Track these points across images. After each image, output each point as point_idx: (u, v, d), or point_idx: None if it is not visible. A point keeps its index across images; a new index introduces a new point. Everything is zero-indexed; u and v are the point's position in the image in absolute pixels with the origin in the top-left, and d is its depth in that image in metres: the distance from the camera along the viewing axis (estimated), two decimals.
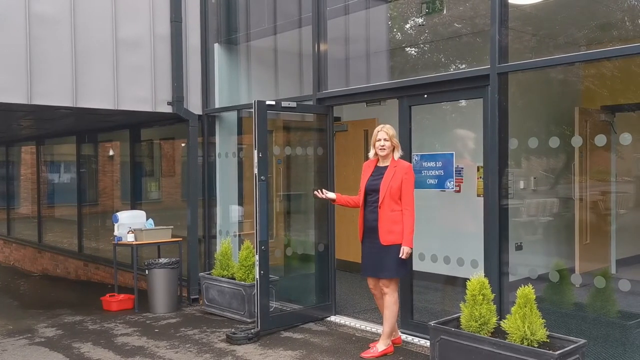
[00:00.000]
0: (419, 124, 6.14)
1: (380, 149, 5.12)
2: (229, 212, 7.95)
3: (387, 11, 7.74)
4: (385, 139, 5.09)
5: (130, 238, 7.37)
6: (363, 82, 6.95)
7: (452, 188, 5.64)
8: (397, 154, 5.16)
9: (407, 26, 7.85)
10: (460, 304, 4.54)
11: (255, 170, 5.77)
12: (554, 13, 6.77)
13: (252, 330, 5.81)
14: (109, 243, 8.98)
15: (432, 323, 4.67)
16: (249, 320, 6.43)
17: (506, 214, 5.01)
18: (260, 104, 5.90)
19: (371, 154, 5.25)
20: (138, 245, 7.40)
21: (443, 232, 7.24)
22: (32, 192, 13.64)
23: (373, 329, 5.97)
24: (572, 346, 4.03)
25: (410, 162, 5.57)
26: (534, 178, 7.48)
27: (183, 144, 8.64)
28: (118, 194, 10.70)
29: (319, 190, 5.54)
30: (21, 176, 14.30)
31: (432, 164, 5.66)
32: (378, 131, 5.15)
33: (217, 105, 7.85)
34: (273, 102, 6.04)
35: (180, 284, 7.47)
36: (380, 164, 5.21)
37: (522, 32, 6.78)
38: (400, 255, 4.98)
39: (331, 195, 5.48)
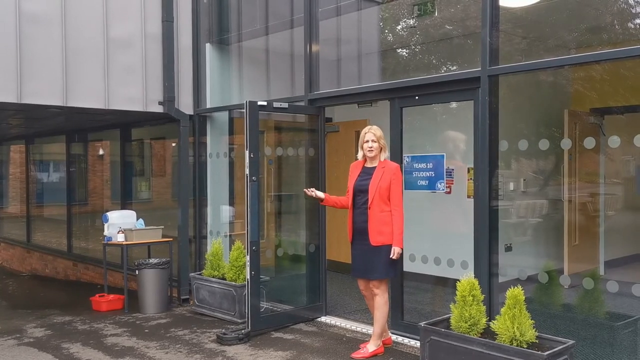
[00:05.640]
0: (410, 126, 6.17)
1: (369, 150, 5.14)
2: (219, 213, 7.94)
3: (379, 13, 7.77)
4: (373, 140, 5.12)
5: (120, 238, 7.34)
6: (355, 83, 6.97)
7: (443, 189, 5.66)
8: (385, 155, 5.19)
9: (399, 28, 7.88)
10: (451, 305, 4.56)
11: (247, 171, 5.77)
12: (545, 16, 6.81)
13: (243, 331, 5.81)
14: (98, 243, 8.94)
15: (422, 324, 4.68)
16: (239, 320, 6.43)
17: (496, 215, 5.04)
18: (252, 104, 5.90)
19: (359, 155, 5.28)
20: (128, 245, 7.37)
21: (433, 233, 7.27)
22: (20, 191, 13.55)
23: (363, 330, 5.99)
24: (560, 347, 4.06)
25: (401, 163, 5.60)
26: (524, 180, 7.53)
27: (174, 144, 8.62)
28: (108, 194, 10.64)
29: (309, 189, 5.56)
30: (10, 175, 14.19)
31: (423, 165, 5.68)
32: (365, 132, 5.17)
33: (208, 106, 7.84)
34: (265, 103, 6.04)
35: (171, 285, 7.45)
36: (368, 165, 5.23)
37: (512, 34, 6.83)
38: (390, 256, 5.00)
39: (320, 194, 5.49)
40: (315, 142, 6.54)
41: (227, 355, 5.39)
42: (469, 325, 4.39)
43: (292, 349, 5.49)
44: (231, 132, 7.86)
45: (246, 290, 5.92)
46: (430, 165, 5.64)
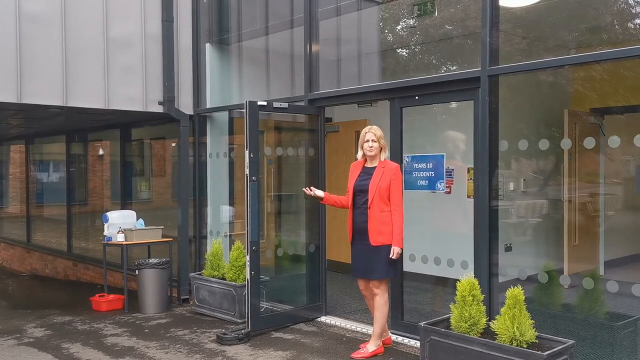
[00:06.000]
0: (410, 126, 6.17)
1: (369, 150, 5.14)
2: (219, 213, 7.94)
3: (379, 13, 7.77)
4: (373, 140, 5.12)
5: (120, 238, 7.34)
6: (354, 83, 6.97)
7: (443, 189, 5.66)
8: (385, 155, 5.19)
9: (399, 28, 7.88)
10: (450, 305, 4.56)
11: (247, 171, 5.77)
12: (545, 16, 6.81)
13: (243, 331, 5.81)
14: (98, 243, 8.94)
15: (422, 324, 4.68)
16: (239, 320, 6.43)
17: (496, 215, 5.04)
18: (252, 104, 5.90)
19: (359, 155, 5.28)
20: (128, 245, 7.36)
21: (433, 233, 7.26)
22: (20, 191, 13.55)
23: (363, 330, 5.99)
24: (560, 347, 4.06)
25: (401, 163, 5.60)
26: (524, 180, 7.53)
27: (174, 144, 8.62)
28: (108, 194, 10.65)
29: (307, 188, 5.56)
30: (10, 175, 14.19)
31: (423, 165, 5.69)
32: (366, 132, 5.17)
33: (208, 106, 7.84)
34: (265, 103, 6.04)
35: (171, 284, 7.44)
36: (368, 165, 5.23)
37: (512, 34, 6.83)
38: (390, 256, 5.00)
39: (319, 193, 5.50)
40: (315, 142, 6.54)
41: (227, 355, 5.39)
42: (469, 325, 4.39)
43: (292, 349, 5.49)
44: (231, 132, 7.86)
45: (246, 290, 5.92)
46: (430, 165, 5.64)
